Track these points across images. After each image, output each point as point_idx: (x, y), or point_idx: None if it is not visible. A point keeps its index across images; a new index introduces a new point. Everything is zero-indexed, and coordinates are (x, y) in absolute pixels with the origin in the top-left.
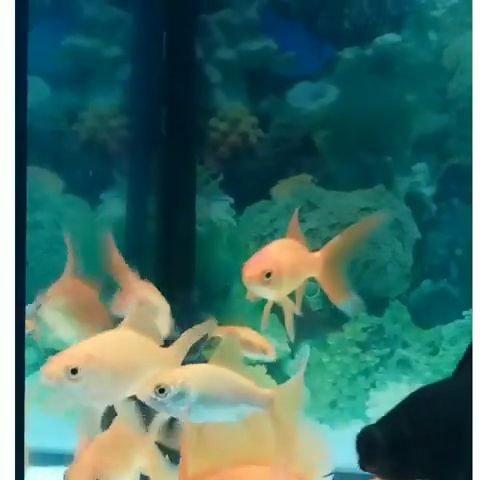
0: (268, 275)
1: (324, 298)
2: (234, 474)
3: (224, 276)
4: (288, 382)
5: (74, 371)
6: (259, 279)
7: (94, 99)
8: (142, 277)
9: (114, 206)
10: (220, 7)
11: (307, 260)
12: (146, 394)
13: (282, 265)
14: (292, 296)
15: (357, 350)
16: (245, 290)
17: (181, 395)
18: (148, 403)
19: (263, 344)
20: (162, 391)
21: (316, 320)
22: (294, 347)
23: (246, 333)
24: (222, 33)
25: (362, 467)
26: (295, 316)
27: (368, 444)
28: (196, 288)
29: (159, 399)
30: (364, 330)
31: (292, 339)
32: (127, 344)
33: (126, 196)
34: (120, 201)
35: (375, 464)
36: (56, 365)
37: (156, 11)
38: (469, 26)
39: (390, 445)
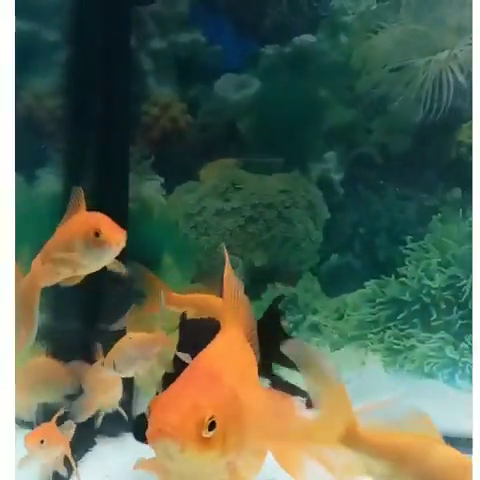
0: None
1: (245, 271)
2: None
3: (154, 250)
4: None
5: None
6: None
7: (32, 79)
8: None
9: (49, 182)
10: (153, 0)
11: None
12: None
13: None
14: None
15: None
16: (174, 263)
17: None
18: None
19: None
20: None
21: None
22: None
23: None
24: (155, 25)
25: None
26: None
27: None
28: (128, 261)
29: None
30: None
31: None
32: None
33: (61, 173)
34: (55, 177)
35: None
36: None
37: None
38: (375, 32)
39: None
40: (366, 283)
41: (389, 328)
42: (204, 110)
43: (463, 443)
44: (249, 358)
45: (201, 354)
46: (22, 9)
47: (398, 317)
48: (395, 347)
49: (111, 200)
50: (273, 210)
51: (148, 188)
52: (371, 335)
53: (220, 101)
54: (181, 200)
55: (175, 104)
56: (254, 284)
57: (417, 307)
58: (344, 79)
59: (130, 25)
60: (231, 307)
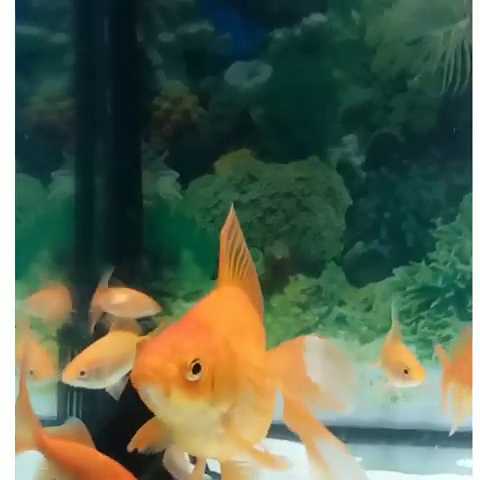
0: None
1: (265, 264)
2: None
3: (172, 246)
4: None
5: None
6: None
7: (43, 83)
8: (94, 250)
9: (64, 184)
10: None
11: None
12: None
13: None
14: None
15: (298, 310)
16: (193, 259)
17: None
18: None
19: None
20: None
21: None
22: None
23: None
24: (161, 18)
25: None
26: None
27: None
28: (145, 258)
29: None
30: (303, 291)
31: None
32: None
33: (75, 174)
34: (70, 179)
35: None
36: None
37: None
38: (388, 4)
39: None
40: (395, 270)
41: (422, 318)
42: (216, 101)
43: None
44: (252, 319)
45: (194, 307)
46: (30, 14)
47: (431, 306)
48: (430, 338)
49: (126, 198)
50: (292, 199)
51: (163, 184)
52: (403, 326)
53: (231, 91)
54: (197, 194)
55: (186, 97)
56: (276, 277)
57: (451, 294)
58: (359, 57)
59: (136, 20)
60: (228, 264)
